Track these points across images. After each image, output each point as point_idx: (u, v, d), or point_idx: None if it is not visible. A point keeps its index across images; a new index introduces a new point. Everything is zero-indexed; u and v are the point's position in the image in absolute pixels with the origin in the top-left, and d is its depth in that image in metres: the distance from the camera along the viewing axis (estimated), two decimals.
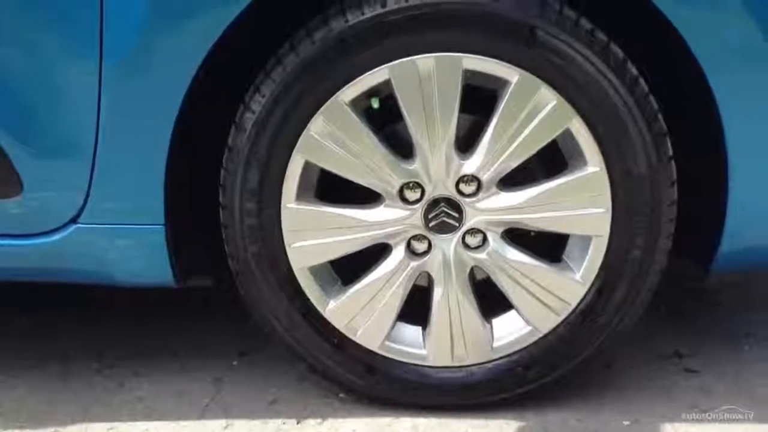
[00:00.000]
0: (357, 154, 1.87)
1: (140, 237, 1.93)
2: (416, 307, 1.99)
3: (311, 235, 1.93)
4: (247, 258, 1.94)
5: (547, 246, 1.97)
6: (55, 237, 1.93)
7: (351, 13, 1.80)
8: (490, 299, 1.99)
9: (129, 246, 1.94)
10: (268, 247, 1.93)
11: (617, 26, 1.84)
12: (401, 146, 1.89)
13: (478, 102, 1.87)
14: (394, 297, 1.96)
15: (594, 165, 1.86)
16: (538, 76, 1.81)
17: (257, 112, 1.84)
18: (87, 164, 1.86)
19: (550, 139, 1.86)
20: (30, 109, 1.86)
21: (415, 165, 1.88)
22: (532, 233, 1.96)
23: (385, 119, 1.92)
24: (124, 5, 1.77)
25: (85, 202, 1.90)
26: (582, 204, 1.89)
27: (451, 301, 1.96)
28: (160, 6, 1.78)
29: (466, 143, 1.88)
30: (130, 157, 1.86)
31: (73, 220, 1.92)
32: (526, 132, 1.84)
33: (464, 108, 1.84)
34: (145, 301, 2.44)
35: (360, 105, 1.88)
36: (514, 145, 1.85)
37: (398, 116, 1.85)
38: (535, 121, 1.83)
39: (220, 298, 2.38)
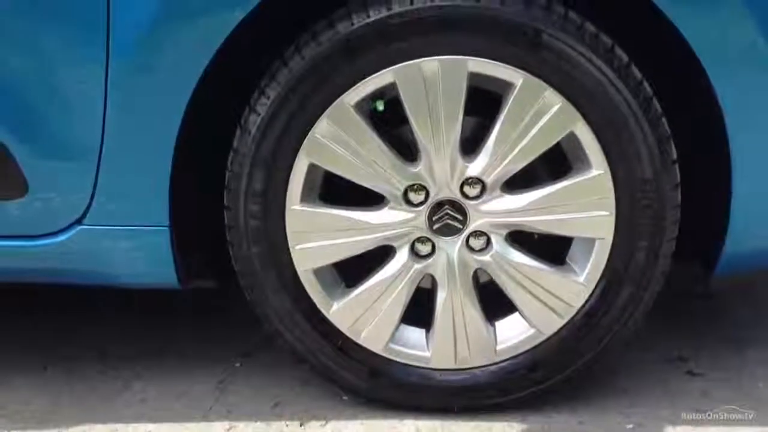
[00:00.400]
0: (361, 157, 1.87)
1: (145, 238, 1.93)
2: (420, 309, 2.00)
3: (315, 237, 1.93)
4: (251, 259, 1.95)
5: (551, 248, 1.97)
6: (60, 238, 1.93)
7: (356, 15, 1.80)
8: (494, 302, 1.99)
9: (133, 247, 1.94)
10: (272, 248, 1.93)
11: (620, 29, 1.84)
12: (406, 149, 1.89)
13: (483, 104, 1.88)
14: (398, 299, 1.96)
15: (598, 168, 1.86)
16: (542, 80, 1.81)
17: (262, 114, 1.84)
18: (92, 165, 1.86)
19: (554, 142, 1.86)
20: (35, 110, 1.86)
21: (420, 167, 1.88)
22: (536, 236, 1.96)
23: (389, 122, 1.92)
24: (132, 5, 1.78)
25: (90, 203, 1.90)
26: (586, 207, 1.89)
27: (454, 304, 1.96)
28: (167, 7, 1.78)
29: (470, 146, 1.88)
30: (136, 158, 1.86)
31: (78, 221, 1.92)
32: (531, 135, 1.84)
33: (469, 110, 1.85)
34: (149, 303, 2.44)
35: (365, 107, 1.88)
36: (519, 147, 1.85)
37: (403, 119, 1.86)
38: (540, 124, 1.83)
39: (223, 300, 2.37)
